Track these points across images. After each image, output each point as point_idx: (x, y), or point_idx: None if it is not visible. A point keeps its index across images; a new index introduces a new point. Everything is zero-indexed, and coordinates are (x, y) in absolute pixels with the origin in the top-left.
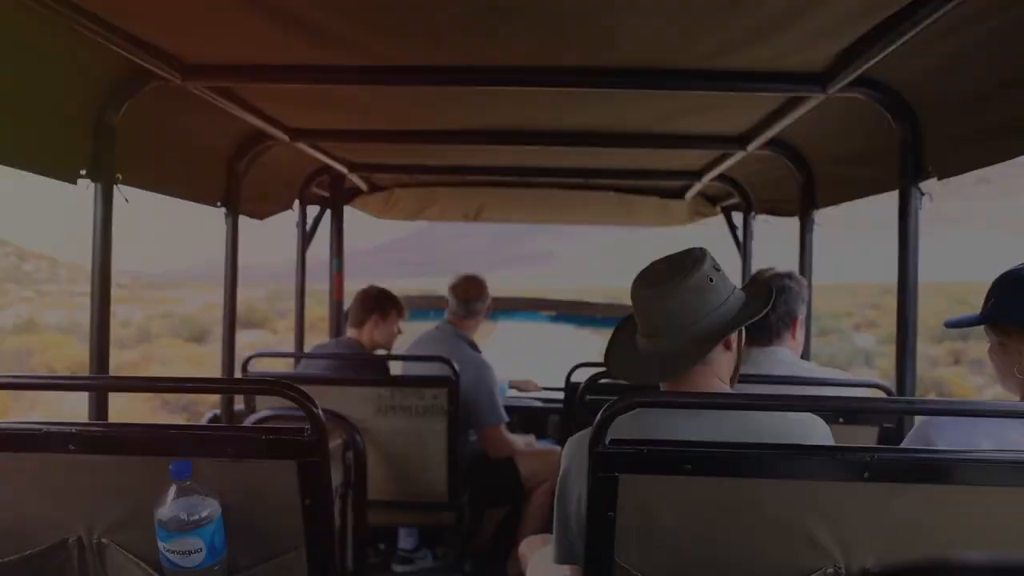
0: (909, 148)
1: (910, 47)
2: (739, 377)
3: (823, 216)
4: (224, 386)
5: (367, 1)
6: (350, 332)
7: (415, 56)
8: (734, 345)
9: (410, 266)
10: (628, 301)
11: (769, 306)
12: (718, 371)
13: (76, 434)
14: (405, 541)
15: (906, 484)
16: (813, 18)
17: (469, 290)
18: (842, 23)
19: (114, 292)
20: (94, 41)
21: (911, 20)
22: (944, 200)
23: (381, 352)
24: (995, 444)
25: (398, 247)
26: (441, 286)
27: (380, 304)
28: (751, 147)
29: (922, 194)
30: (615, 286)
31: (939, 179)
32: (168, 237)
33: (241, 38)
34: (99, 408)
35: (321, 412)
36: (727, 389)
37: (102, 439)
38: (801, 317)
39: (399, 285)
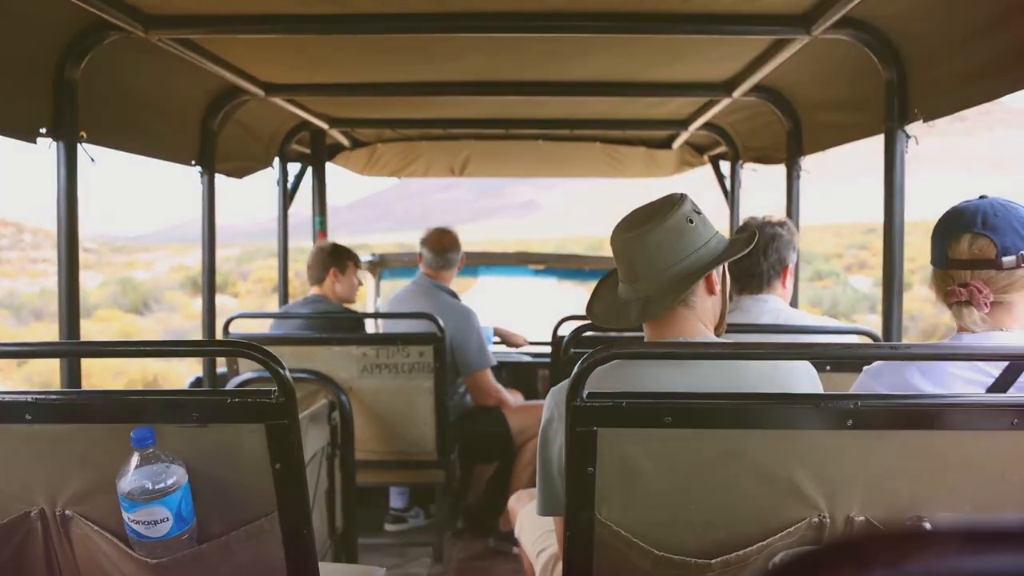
0: (895, 90)
1: None
2: (727, 326)
3: (809, 159)
4: (190, 348)
5: None
6: (313, 289)
7: (387, 4)
8: (718, 289)
9: (390, 220)
10: (578, 249)
11: (752, 245)
12: (701, 316)
13: (34, 403)
14: (396, 500)
15: (890, 431)
16: None
17: (443, 240)
18: None
19: (83, 258)
20: None
21: None
22: (922, 139)
23: (356, 308)
24: (929, 381)
25: (377, 201)
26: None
27: (336, 258)
28: (737, 93)
29: (908, 137)
30: (599, 234)
31: (925, 121)
32: (145, 198)
33: None
34: (71, 375)
35: (288, 373)
36: (711, 335)
37: (61, 408)
38: (792, 265)
39: (379, 240)
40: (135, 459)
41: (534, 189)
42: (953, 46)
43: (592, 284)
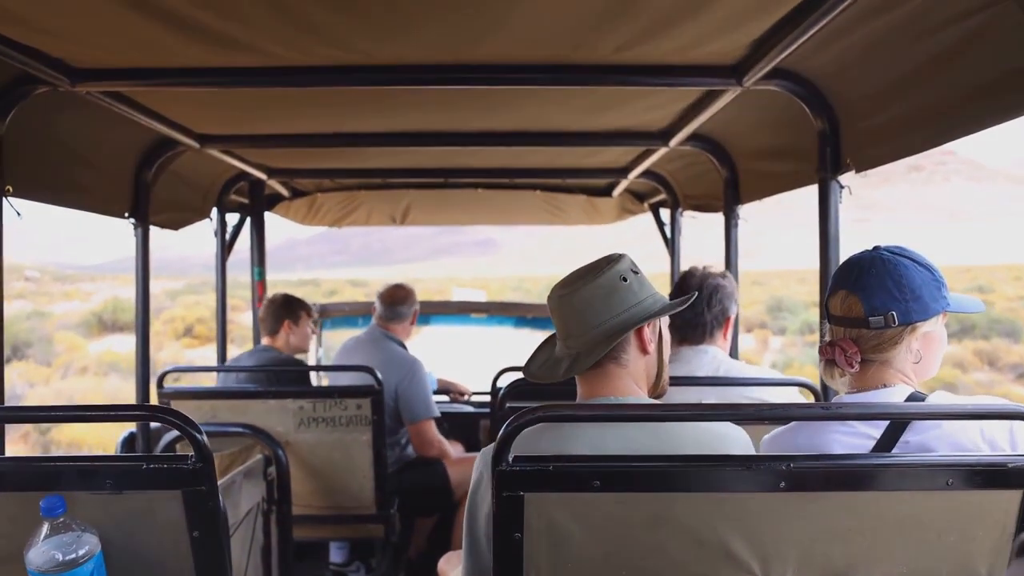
0: (828, 141)
1: (823, 37)
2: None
3: (767, 204)
4: (104, 414)
5: (257, 3)
6: (265, 341)
7: (316, 57)
8: (651, 348)
9: (348, 255)
10: (538, 289)
11: (686, 304)
12: (634, 375)
13: None
14: (336, 555)
15: (824, 493)
16: (723, 6)
17: (395, 295)
18: (753, 12)
19: (16, 286)
20: None
21: (822, 9)
22: (877, 188)
23: (300, 358)
24: (814, 446)
25: (337, 236)
26: (379, 277)
27: (290, 310)
28: (673, 142)
29: (841, 187)
30: (557, 273)
31: (857, 171)
32: (114, 225)
33: (131, 41)
34: None
35: (204, 438)
36: (643, 396)
37: None
38: (733, 316)
39: (336, 276)
40: (44, 529)
41: (493, 227)
42: (883, 97)
43: (535, 332)
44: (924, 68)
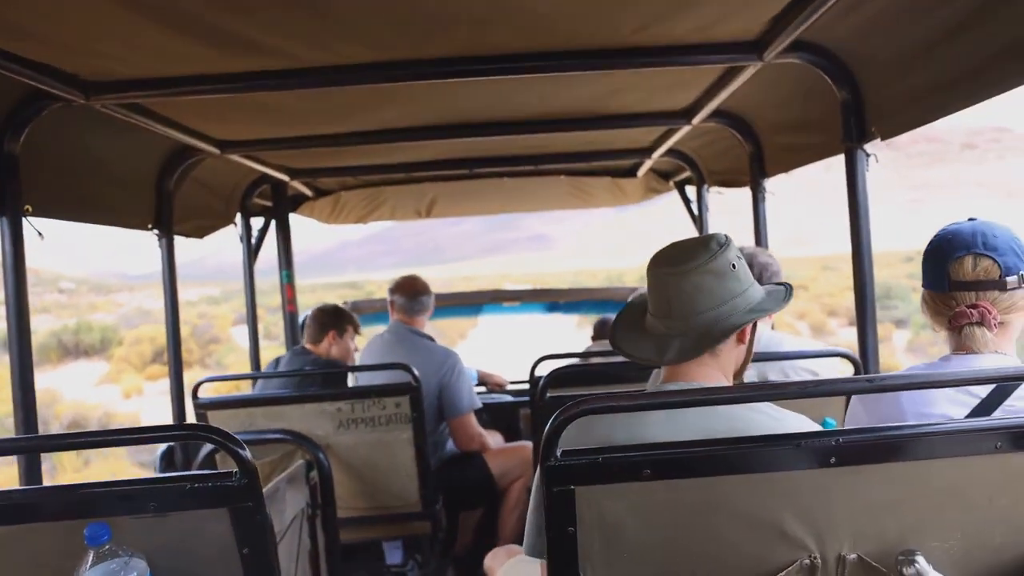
0: (851, 110)
1: (843, 7)
2: None
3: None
4: (145, 436)
5: (276, 2)
6: (307, 345)
7: (336, 56)
8: (748, 338)
9: (399, 256)
10: (594, 283)
11: (790, 299)
12: (724, 364)
13: None
14: (392, 556)
15: (874, 464)
16: None
17: (415, 285)
18: None
19: (47, 299)
20: None
21: None
22: (930, 167)
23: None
24: (914, 401)
25: (388, 236)
26: (431, 276)
27: (337, 321)
28: (696, 120)
29: (867, 156)
30: (614, 267)
31: (883, 139)
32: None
33: (144, 50)
34: (30, 474)
35: (248, 453)
36: (726, 382)
37: (6, 508)
38: None
39: (388, 276)
40: (90, 558)
41: (545, 223)
42: (905, 64)
43: (567, 317)
44: (948, 31)
